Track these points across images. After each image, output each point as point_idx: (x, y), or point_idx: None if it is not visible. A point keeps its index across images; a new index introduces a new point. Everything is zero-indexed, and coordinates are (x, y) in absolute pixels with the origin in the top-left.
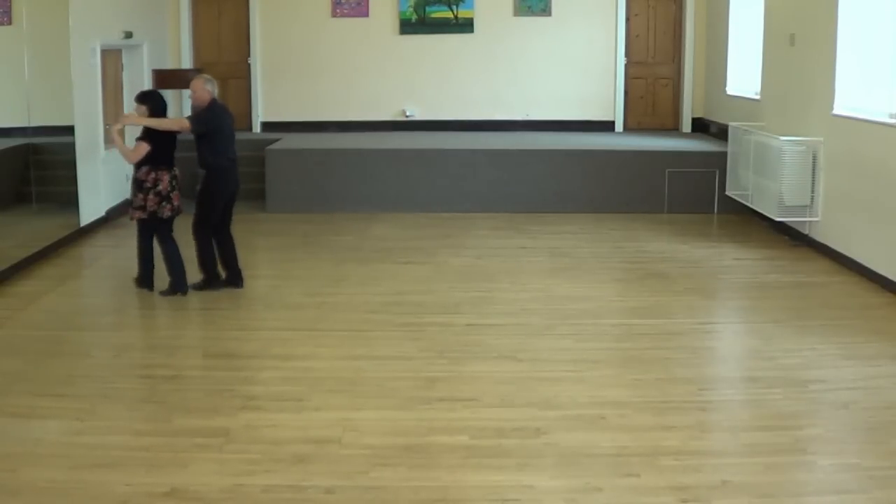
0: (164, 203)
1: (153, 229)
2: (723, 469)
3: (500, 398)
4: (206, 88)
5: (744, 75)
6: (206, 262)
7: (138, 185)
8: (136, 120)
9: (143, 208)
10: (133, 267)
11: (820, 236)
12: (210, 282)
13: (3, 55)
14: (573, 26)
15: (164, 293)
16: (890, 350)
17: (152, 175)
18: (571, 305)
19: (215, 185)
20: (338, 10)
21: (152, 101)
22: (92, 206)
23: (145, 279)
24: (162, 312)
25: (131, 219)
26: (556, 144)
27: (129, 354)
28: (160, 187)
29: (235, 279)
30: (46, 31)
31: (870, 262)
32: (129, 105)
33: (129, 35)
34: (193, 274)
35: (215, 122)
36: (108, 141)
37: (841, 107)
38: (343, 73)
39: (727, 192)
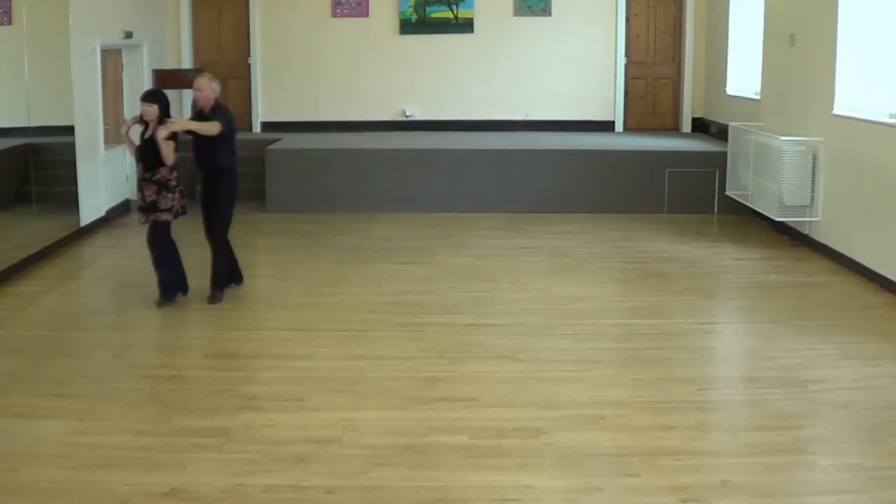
0: (181, 200)
1: (165, 232)
2: (723, 469)
3: (500, 398)
4: (213, 87)
5: (744, 75)
6: (230, 264)
7: (164, 185)
8: (184, 125)
9: (170, 209)
10: (132, 268)
11: (820, 236)
12: (222, 284)
13: (3, 55)
14: (573, 26)
15: None
16: (890, 350)
17: (174, 174)
18: (571, 305)
19: (234, 185)
20: (338, 10)
21: (160, 100)
22: (92, 206)
23: (173, 286)
24: (162, 312)
25: (147, 221)
26: (555, 144)
27: (129, 354)
28: (181, 186)
29: (235, 276)
30: (46, 31)
31: (870, 262)
32: (129, 105)
33: (129, 35)
34: (193, 275)
35: (232, 122)
36: (109, 141)
37: (841, 107)
38: (343, 73)
39: (727, 192)
